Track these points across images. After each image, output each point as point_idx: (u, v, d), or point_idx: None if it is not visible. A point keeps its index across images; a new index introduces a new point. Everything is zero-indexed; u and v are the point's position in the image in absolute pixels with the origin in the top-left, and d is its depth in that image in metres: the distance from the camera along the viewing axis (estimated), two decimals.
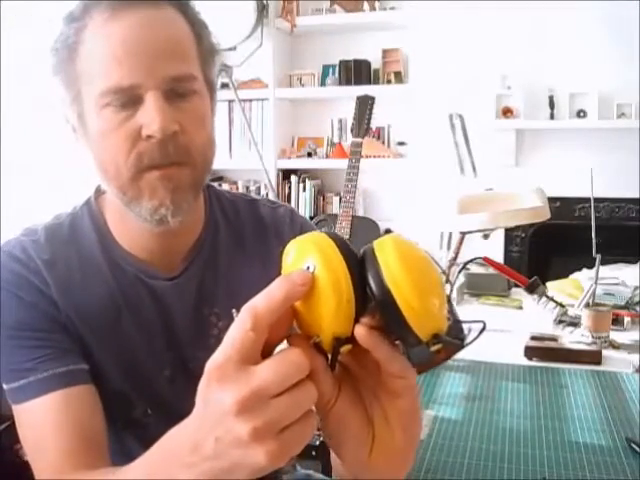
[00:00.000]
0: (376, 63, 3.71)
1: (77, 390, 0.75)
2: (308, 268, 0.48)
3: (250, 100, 3.70)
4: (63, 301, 0.79)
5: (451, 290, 1.86)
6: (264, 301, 0.46)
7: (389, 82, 3.67)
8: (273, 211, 0.95)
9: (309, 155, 3.78)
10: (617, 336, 1.62)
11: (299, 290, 0.47)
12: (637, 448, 0.96)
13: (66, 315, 0.79)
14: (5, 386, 0.76)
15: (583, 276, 2.06)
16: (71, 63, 0.73)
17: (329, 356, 0.49)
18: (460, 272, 1.88)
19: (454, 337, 1.21)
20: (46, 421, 0.73)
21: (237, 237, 0.91)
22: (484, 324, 0.49)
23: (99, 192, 0.86)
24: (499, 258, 3.41)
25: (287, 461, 0.46)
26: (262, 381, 0.44)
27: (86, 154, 0.78)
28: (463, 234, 1.88)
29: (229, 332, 0.46)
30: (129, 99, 0.71)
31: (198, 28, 0.78)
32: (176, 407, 0.85)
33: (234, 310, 0.50)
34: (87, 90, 0.73)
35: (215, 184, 0.94)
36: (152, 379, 0.85)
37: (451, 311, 1.33)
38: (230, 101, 3.57)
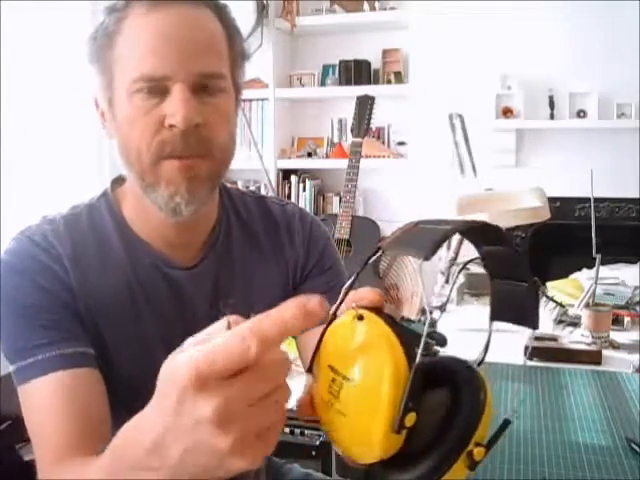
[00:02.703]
0: (376, 63, 3.71)
1: (83, 372, 0.76)
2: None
3: (250, 100, 3.70)
4: (81, 289, 0.80)
5: (451, 290, 1.86)
6: (270, 323, 0.42)
7: (389, 82, 3.67)
8: (282, 208, 0.97)
9: (309, 155, 3.78)
10: (617, 336, 1.62)
11: (316, 319, 0.43)
12: (637, 448, 0.96)
13: (83, 303, 0.80)
14: (12, 367, 0.77)
15: (583, 276, 2.06)
16: (108, 50, 0.77)
17: None
18: (460, 272, 1.88)
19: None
20: (49, 401, 0.74)
21: (249, 232, 0.94)
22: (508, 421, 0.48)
23: (115, 184, 0.89)
24: None
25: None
26: (242, 390, 0.42)
27: (111, 139, 0.81)
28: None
29: (224, 340, 0.43)
30: (157, 89, 0.75)
31: (231, 31, 0.81)
32: None
33: (228, 319, 0.47)
34: (120, 76, 0.76)
35: None
36: None
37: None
38: None
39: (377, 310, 0.50)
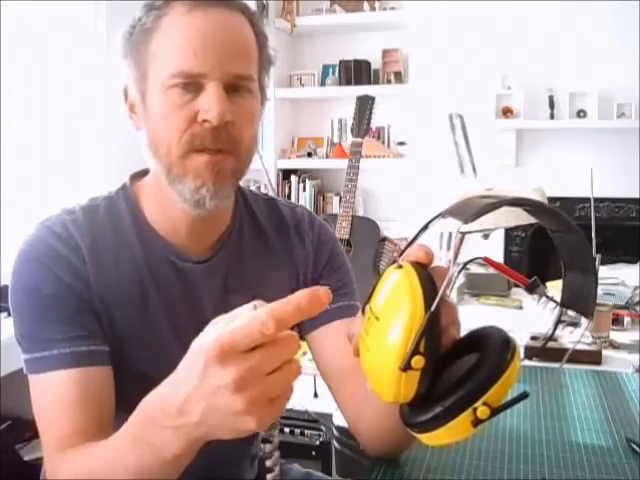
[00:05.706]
0: (376, 63, 3.71)
1: (94, 371, 0.78)
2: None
3: None
4: (96, 281, 0.82)
5: (450, 290, 1.86)
6: (285, 308, 0.50)
7: (389, 82, 3.67)
8: (291, 210, 1.00)
9: (309, 155, 3.78)
10: (617, 336, 1.62)
11: (322, 305, 0.51)
12: (637, 448, 0.96)
13: (98, 295, 0.82)
14: (25, 355, 0.79)
15: None
16: (144, 46, 0.80)
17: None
18: (460, 272, 1.88)
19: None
20: (59, 396, 0.76)
21: (260, 231, 0.96)
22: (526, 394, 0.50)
23: (134, 178, 0.91)
24: (499, 258, 3.41)
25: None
26: (259, 361, 0.52)
27: (139, 130, 0.83)
28: (463, 234, 1.88)
29: (243, 322, 0.51)
30: (192, 85, 0.77)
31: (261, 38, 0.85)
32: None
33: (254, 303, 0.54)
34: (155, 71, 0.79)
35: None
36: (176, 360, 0.86)
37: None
38: None
39: (419, 264, 0.56)
